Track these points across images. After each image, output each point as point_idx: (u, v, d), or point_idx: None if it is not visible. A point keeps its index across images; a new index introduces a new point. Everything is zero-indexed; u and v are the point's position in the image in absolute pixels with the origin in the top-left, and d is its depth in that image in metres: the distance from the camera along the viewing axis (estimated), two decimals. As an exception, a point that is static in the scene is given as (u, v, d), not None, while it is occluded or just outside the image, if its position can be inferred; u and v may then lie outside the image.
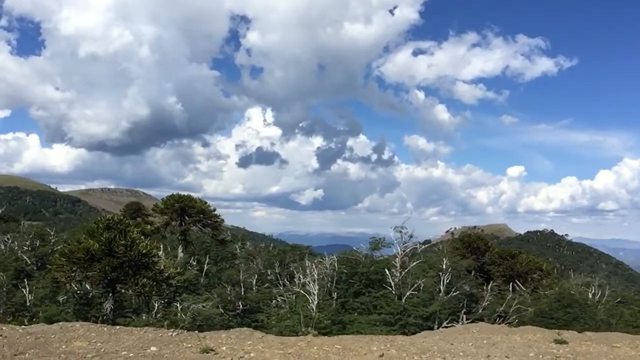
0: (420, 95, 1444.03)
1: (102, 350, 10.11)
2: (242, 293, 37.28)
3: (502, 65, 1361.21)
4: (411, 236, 32.95)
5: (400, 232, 32.81)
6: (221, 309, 33.29)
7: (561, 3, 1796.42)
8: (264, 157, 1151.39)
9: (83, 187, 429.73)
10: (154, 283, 27.18)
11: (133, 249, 26.21)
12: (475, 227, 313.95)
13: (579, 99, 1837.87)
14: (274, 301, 38.62)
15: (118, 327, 11.86)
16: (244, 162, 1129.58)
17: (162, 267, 28.02)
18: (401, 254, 31.97)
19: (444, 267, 32.10)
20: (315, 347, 11.11)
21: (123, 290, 27.85)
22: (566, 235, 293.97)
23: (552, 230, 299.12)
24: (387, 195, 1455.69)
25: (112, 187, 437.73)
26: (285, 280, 41.61)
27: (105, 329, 11.42)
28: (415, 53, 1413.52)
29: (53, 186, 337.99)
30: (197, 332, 11.57)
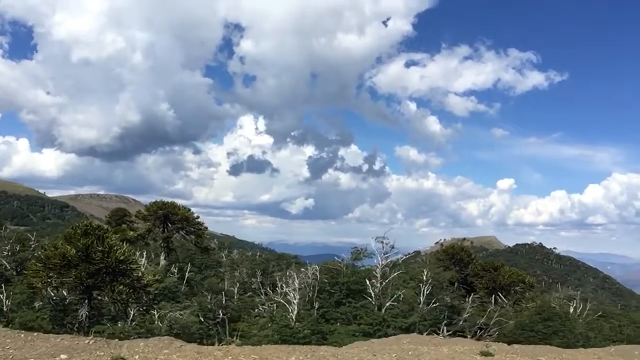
0: (412, 106, 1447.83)
1: (11, 357, 10.02)
2: (223, 301, 36.98)
3: (494, 78, 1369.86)
4: (392, 246, 33.03)
5: (382, 242, 32.87)
6: (201, 317, 33.01)
7: (553, 18, 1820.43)
8: (255, 165, 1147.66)
9: (72, 193, 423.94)
10: (131, 290, 26.93)
11: (110, 255, 25.95)
12: (464, 238, 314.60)
13: (569, 113, 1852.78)
14: (256, 310, 38.41)
15: (36, 334, 11.75)
16: (235, 170, 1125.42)
17: (140, 274, 27.77)
18: (382, 264, 31.98)
19: (425, 278, 32.07)
20: (230, 357, 11.10)
21: (99, 297, 27.53)
22: (554, 248, 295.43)
23: (540, 243, 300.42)
24: (378, 205, 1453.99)
25: (101, 192, 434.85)
26: (268, 289, 41.43)
27: (22, 335, 11.32)
28: (408, 64, 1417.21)
29: (41, 191, 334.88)
30: (117, 340, 11.48)
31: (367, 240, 35.72)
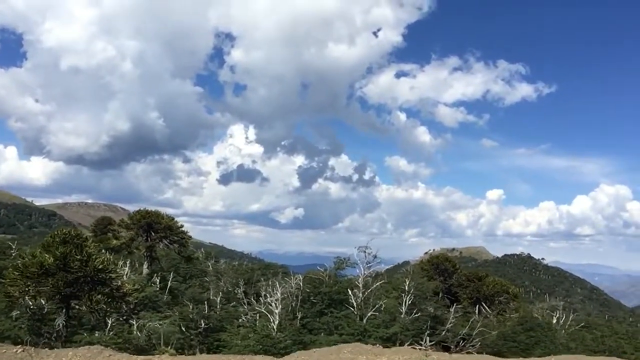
0: (402, 116, 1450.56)
1: None
2: (206, 311, 36.66)
3: (483, 89, 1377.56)
4: (375, 256, 33.01)
5: (364, 252, 32.87)
6: (183, 328, 32.68)
7: (542, 31, 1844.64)
8: (245, 174, 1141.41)
9: (60, 201, 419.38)
10: (110, 299, 26.64)
11: (89, 264, 25.68)
12: (453, 249, 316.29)
13: (557, 124, 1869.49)
14: (239, 320, 38.11)
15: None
16: (225, 179, 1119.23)
17: (119, 283, 27.49)
18: (364, 274, 31.96)
19: (407, 288, 32.05)
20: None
21: (78, 307, 27.20)
22: (542, 259, 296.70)
23: (528, 254, 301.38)
24: (368, 215, 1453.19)
25: (89, 201, 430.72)
26: (252, 299, 41.14)
27: (-50, 347, 11.13)
28: (398, 75, 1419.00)
29: (29, 199, 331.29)
30: (47, 349, 11.36)
31: (356, 250, 35.64)
